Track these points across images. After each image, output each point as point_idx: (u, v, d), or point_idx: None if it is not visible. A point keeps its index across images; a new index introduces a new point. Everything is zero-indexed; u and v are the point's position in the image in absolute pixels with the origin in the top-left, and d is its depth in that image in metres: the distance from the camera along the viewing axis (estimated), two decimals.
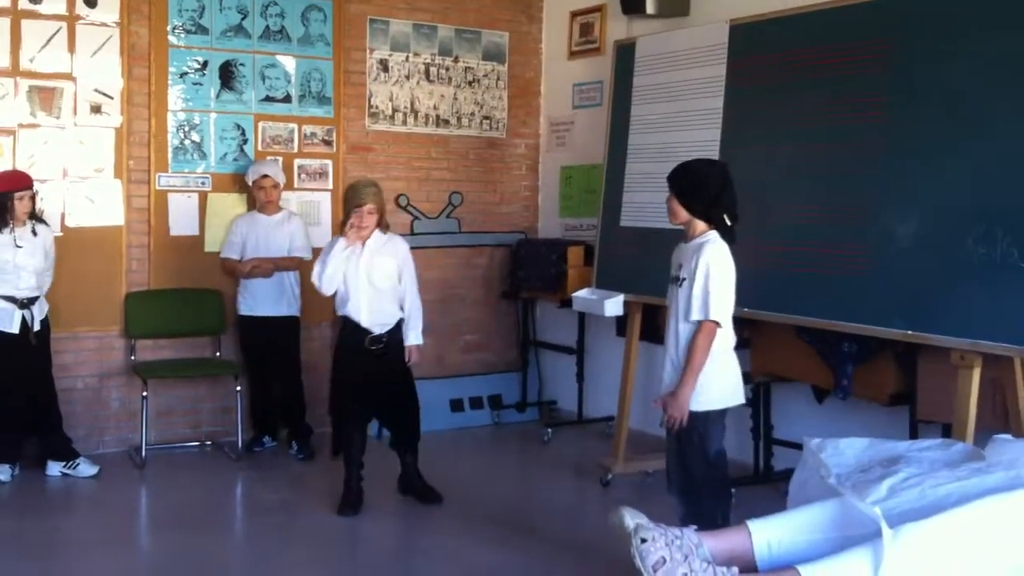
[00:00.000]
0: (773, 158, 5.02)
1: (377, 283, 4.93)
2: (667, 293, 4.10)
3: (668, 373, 3.99)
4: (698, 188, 3.93)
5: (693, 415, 3.88)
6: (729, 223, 3.93)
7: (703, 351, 3.83)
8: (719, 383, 3.91)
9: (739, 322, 5.09)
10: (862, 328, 4.46)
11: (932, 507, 2.99)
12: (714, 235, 3.92)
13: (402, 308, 5.05)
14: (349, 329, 4.97)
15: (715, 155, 5.24)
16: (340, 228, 5.03)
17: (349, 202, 4.92)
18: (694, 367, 3.83)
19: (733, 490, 4.99)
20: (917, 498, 3.07)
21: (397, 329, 5.02)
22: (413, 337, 5.03)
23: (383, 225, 5.00)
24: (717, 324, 3.83)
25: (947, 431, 4.29)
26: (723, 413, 3.96)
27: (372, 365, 4.93)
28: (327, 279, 4.89)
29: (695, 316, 3.84)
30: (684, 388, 3.84)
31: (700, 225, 3.94)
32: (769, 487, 5.08)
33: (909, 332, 4.25)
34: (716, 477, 3.99)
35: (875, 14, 4.61)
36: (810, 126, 4.85)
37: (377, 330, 4.93)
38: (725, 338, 3.91)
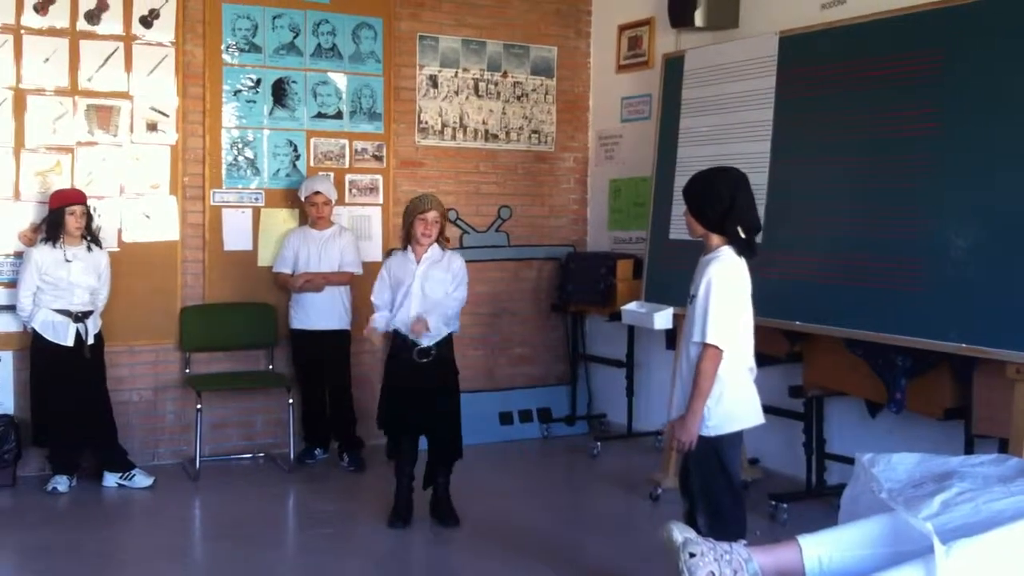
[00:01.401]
0: (824, 170, 4.99)
1: (430, 295, 4.91)
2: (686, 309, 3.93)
3: (677, 394, 3.83)
4: (707, 200, 3.71)
5: (708, 440, 3.72)
6: (744, 235, 3.69)
7: (707, 376, 3.64)
8: (732, 405, 3.72)
9: (789, 335, 5.10)
10: (916, 341, 4.41)
11: (986, 523, 2.95)
12: (725, 251, 3.70)
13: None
14: (399, 340, 4.99)
15: (765, 168, 5.23)
16: (402, 242, 5.04)
17: (411, 213, 4.93)
18: (700, 393, 3.65)
19: (784, 505, 4.99)
20: (970, 513, 3.02)
21: (447, 343, 5.02)
22: (433, 319, 4.91)
23: (443, 238, 5.01)
24: (717, 348, 3.63)
25: (1003, 446, 4.22)
26: (739, 435, 3.80)
27: (419, 377, 4.92)
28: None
29: (696, 338, 3.67)
30: (691, 415, 3.67)
31: (715, 239, 3.71)
32: (822, 502, 5.02)
33: (964, 345, 4.19)
34: (735, 496, 3.84)
35: (926, 24, 4.58)
36: (861, 137, 4.82)
37: (425, 342, 4.93)
38: (735, 360, 3.70)
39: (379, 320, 4.98)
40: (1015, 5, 4.23)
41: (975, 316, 4.18)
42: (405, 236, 5.01)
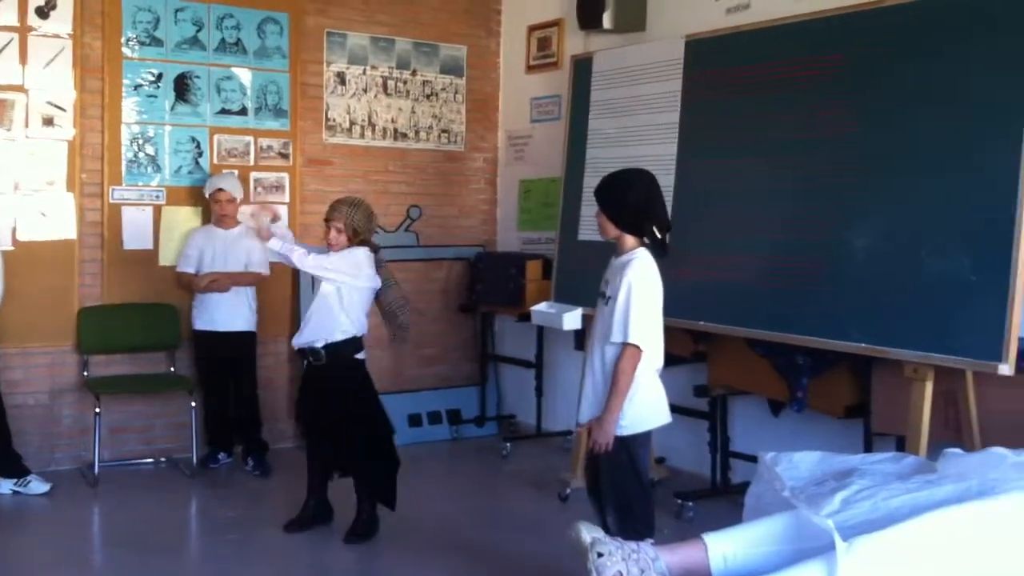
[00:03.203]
0: (729, 171, 5.06)
1: (322, 293, 4.74)
2: (595, 309, 3.95)
3: (588, 394, 3.84)
4: (623, 200, 3.75)
5: (621, 439, 3.75)
6: (659, 235, 3.74)
7: (627, 376, 3.67)
8: (643, 405, 3.76)
9: (694, 335, 5.17)
10: (817, 341, 4.49)
11: (884, 519, 3.01)
12: (642, 252, 3.74)
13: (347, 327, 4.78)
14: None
15: (672, 170, 5.28)
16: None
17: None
18: (619, 392, 3.68)
19: (690, 503, 5.05)
20: (870, 510, 3.09)
21: (340, 348, 4.74)
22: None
23: (367, 244, 4.79)
24: (638, 348, 3.67)
25: (901, 444, 4.33)
26: (648, 434, 3.86)
27: (313, 383, 4.83)
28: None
29: (615, 338, 3.69)
30: (609, 414, 3.70)
31: (629, 240, 3.76)
32: (727, 500, 5.10)
33: (863, 345, 4.29)
34: (644, 493, 3.89)
35: (827, 29, 4.67)
36: (765, 140, 4.90)
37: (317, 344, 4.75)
38: (648, 359, 3.73)
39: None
40: (911, 10, 4.34)
41: (874, 316, 4.27)
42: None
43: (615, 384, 3.70)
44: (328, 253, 4.78)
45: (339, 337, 4.72)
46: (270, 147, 6.53)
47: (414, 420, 6.82)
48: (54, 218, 5.90)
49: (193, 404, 5.92)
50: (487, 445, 6.71)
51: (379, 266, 4.83)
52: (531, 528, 5.03)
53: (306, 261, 4.72)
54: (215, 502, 5.48)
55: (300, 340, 4.80)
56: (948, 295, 4.04)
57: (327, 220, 4.77)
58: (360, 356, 4.83)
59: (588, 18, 6.21)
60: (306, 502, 4.94)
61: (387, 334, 5.03)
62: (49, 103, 5.88)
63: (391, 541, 4.78)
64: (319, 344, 4.73)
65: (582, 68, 6.04)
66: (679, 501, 5.10)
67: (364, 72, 6.88)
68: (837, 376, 4.68)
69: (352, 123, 6.85)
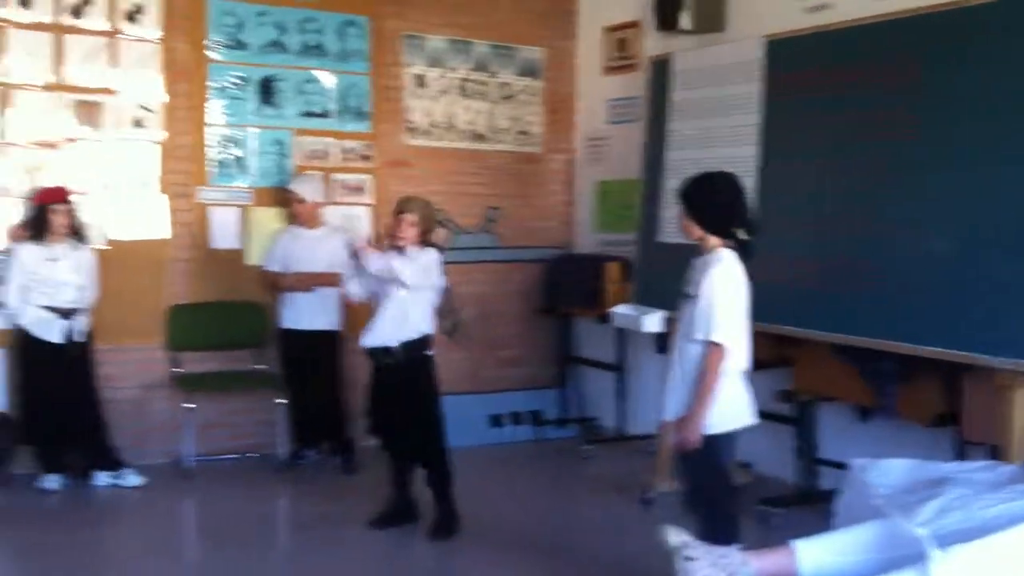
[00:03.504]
0: (812, 174, 5.03)
1: (396, 296, 4.78)
2: (679, 309, 3.96)
3: (673, 393, 3.84)
4: (708, 202, 3.78)
5: (705, 438, 3.73)
6: (744, 236, 3.76)
7: (713, 374, 3.67)
8: (726, 405, 3.75)
9: (778, 339, 5.13)
10: (905, 347, 4.44)
11: (979, 529, 2.99)
12: (726, 252, 3.75)
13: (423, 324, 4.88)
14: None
15: (752, 171, 5.25)
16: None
17: (393, 214, 4.86)
18: (706, 390, 3.68)
19: (776, 510, 5.02)
20: (964, 520, 3.07)
21: (414, 347, 4.83)
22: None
23: (430, 244, 4.88)
24: (722, 346, 3.68)
25: (994, 452, 4.26)
26: (732, 436, 3.83)
27: (385, 380, 4.89)
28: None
29: (699, 335, 3.70)
30: (697, 412, 3.69)
31: (713, 241, 3.76)
32: (813, 507, 5.04)
33: (954, 352, 4.23)
34: (729, 496, 3.91)
35: (907, 30, 4.62)
36: (847, 141, 4.86)
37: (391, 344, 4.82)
38: (734, 360, 3.74)
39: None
40: (990, 12, 4.28)
41: (964, 322, 4.22)
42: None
43: (702, 382, 3.70)
44: (390, 253, 4.82)
45: (414, 336, 4.82)
46: (352, 149, 6.63)
47: (495, 421, 6.87)
48: (144, 218, 6.06)
49: (279, 401, 6.03)
50: (568, 447, 6.71)
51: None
52: (612, 531, 5.04)
53: (401, 270, 4.72)
54: (301, 498, 5.60)
55: (373, 341, 4.85)
56: None
57: (400, 212, 4.82)
58: (430, 352, 4.92)
59: (666, 19, 6.18)
60: (390, 498, 5.01)
61: (441, 329, 5.10)
62: (139, 105, 6.03)
63: (471, 540, 4.82)
64: (393, 344, 4.81)
65: (660, 69, 6.03)
66: (764, 507, 5.05)
67: (443, 75, 6.94)
68: (925, 383, 4.61)
69: (432, 125, 6.92)
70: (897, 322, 4.47)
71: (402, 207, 4.85)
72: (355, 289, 4.91)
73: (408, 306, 4.80)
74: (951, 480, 3.34)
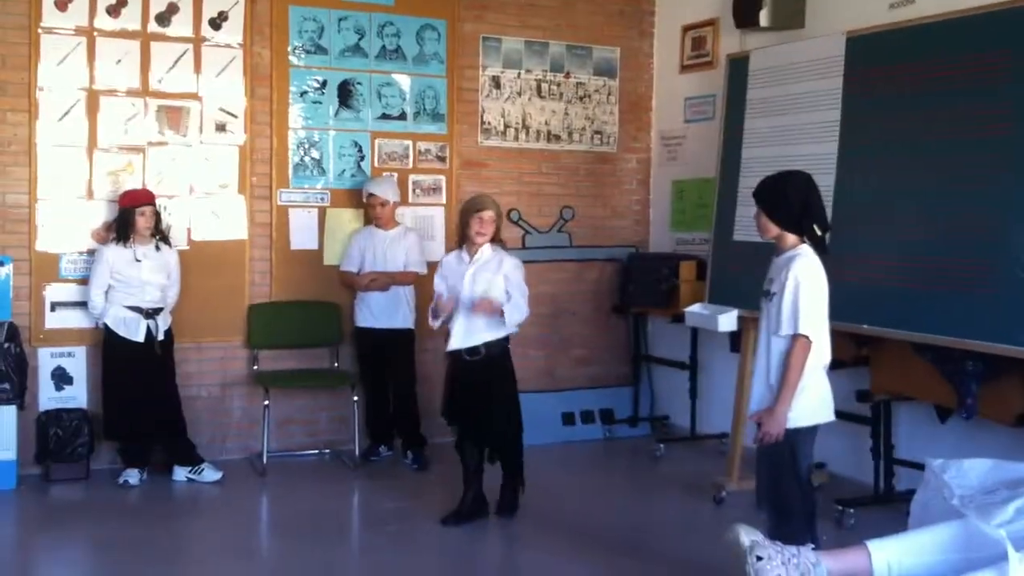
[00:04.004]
0: (892, 171, 4.93)
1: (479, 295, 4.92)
2: (760, 307, 4.03)
3: (758, 388, 3.92)
4: (783, 200, 3.86)
5: (785, 431, 3.79)
6: (820, 233, 3.83)
7: (798, 367, 3.75)
8: (809, 399, 3.81)
9: (857, 339, 5.05)
10: (987, 346, 4.34)
11: None
12: (805, 248, 3.84)
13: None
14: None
15: (832, 169, 5.18)
16: (457, 242, 5.11)
17: (467, 212, 4.96)
18: (790, 383, 3.75)
19: (851, 511, 4.94)
20: None
21: (497, 344, 4.96)
22: (506, 308, 4.88)
23: (498, 240, 5.02)
24: (807, 339, 3.74)
25: None
26: (814, 429, 3.87)
27: (470, 375, 4.96)
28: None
29: (784, 330, 3.77)
30: (781, 405, 3.75)
31: (790, 238, 3.86)
32: (890, 508, 4.96)
33: None
34: (806, 494, 3.90)
35: (996, 24, 4.51)
36: (931, 139, 4.76)
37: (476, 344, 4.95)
38: (817, 354, 3.80)
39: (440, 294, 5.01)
40: None
41: None
42: (460, 235, 5.05)
43: (786, 375, 3.75)
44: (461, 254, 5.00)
45: (501, 334, 4.93)
46: (428, 150, 6.69)
47: (567, 419, 6.88)
48: (226, 219, 6.20)
49: (355, 399, 6.11)
50: (640, 446, 6.69)
51: None
52: (683, 530, 5.01)
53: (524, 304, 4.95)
54: (375, 494, 5.66)
55: (463, 343, 4.94)
56: None
57: (478, 210, 4.90)
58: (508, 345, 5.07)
59: (745, 16, 6.15)
60: (464, 496, 5.06)
61: None
62: (221, 110, 6.18)
63: (540, 537, 4.84)
64: (480, 343, 4.90)
65: (738, 67, 5.97)
66: (840, 508, 4.99)
67: (518, 76, 6.98)
68: (1009, 383, 4.50)
69: (507, 126, 6.95)
70: (980, 321, 4.37)
71: (479, 204, 4.94)
72: (434, 326, 5.01)
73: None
74: None
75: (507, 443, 5.07)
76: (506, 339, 5.00)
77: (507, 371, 5.05)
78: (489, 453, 5.07)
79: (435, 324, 4.97)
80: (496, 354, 4.97)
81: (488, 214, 4.90)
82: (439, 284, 5.03)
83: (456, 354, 4.98)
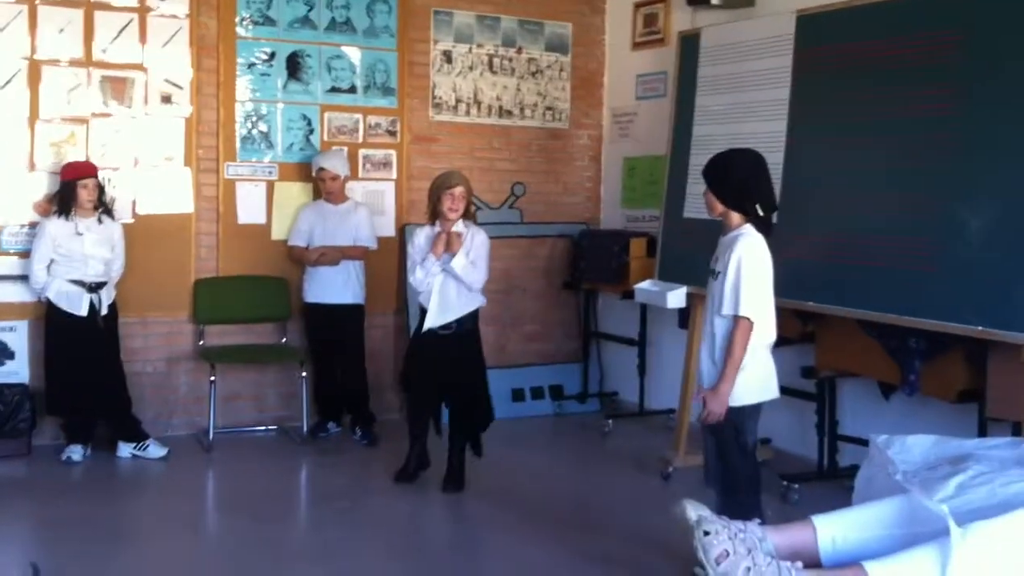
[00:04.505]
0: (840, 149, 4.97)
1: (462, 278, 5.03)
2: (707, 285, 4.06)
3: (705, 367, 3.96)
4: (726, 178, 3.89)
5: (729, 410, 3.84)
6: (762, 213, 3.85)
7: (740, 347, 3.78)
8: (752, 378, 3.85)
9: (802, 316, 5.09)
10: (931, 324, 4.40)
11: (1001, 505, 2.96)
12: (748, 228, 3.85)
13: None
14: (422, 317, 5.14)
15: (781, 147, 5.21)
16: (429, 217, 5.15)
17: (438, 188, 5.02)
18: (733, 363, 3.79)
19: (796, 486, 5.00)
20: (986, 496, 3.03)
21: (469, 318, 5.12)
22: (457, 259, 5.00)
23: (470, 216, 5.12)
24: (749, 320, 3.77)
25: (1017, 429, 4.22)
26: (757, 407, 3.92)
27: (441, 349, 5.07)
28: (424, 283, 5.05)
29: (726, 311, 3.80)
30: (723, 384, 3.80)
31: (735, 217, 3.88)
32: (834, 483, 5.03)
33: (978, 328, 4.18)
34: (751, 470, 3.97)
35: (945, 4, 4.54)
36: (878, 117, 4.79)
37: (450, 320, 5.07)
38: (760, 334, 3.83)
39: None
40: None
41: (990, 298, 4.16)
42: (432, 212, 5.09)
43: (728, 356, 3.80)
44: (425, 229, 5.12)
45: (473, 306, 5.11)
46: (378, 125, 6.63)
47: (517, 395, 6.89)
48: (172, 193, 6.10)
49: (303, 374, 6.07)
50: (589, 422, 6.72)
51: None
52: (631, 505, 5.04)
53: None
54: (324, 470, 5.63)
55: (440, 320, 5.05)
56: None
57: (449, 187, 4.98)
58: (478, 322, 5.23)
59: None
60: (409, 454, 5.22)
61: None
62: (167, 81, 6.07)
63: (491, 512, 4.85)
64: (453, 319, 5.04)
65: (689, 44, 5.98)
66: (784, 483, 5.05)
67: (470, 50, 6.92)
68: (951, 360, 4.56)
69: (458, 101, 6.90)
70: (924, 299, 4.42)
71: (451, 181, 5.03)
72: (421, 278, 5.04)
73: (461, 287, 5.05)
74: (973, 456, 3.31)
75: (475, 405, 5.17)
76: (476, 313, 5.13)
77: (477, 341, 5.20)
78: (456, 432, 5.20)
79: (422, 275, 5.02)
80: (469, 328, 5.11)
81: (459, 190, 4.99)
82: (415, 255, 5.08)
83: (428, 331, 5.06)
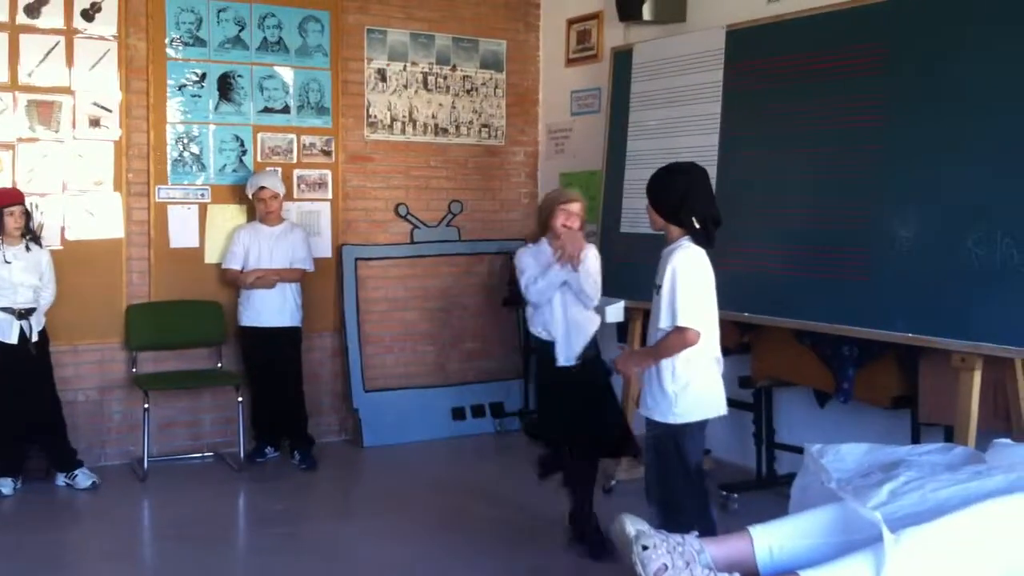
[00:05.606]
0: (772, 162, 5.03)
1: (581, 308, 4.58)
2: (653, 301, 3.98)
3: (646, 386, 3.89)
4: (663, 192, 3.86)
5: (671, 427, 3.80)
6: (698, 225, 3.78)
7: (670, 348, 3.74)
8: (696, 394, 3.79)
9: (739, 326, 5.13)
10: (863, 331, 4.45)
11: (933, 511, 2.98)
12: (685, 241, 3.81)
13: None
14: (545, 349, 4.63)
15: (714, 160, 5.25)
16: (536, 233, 4.67)
17: (552, 202, 4.55)
18: (657, 352, 3.78)
19: (735, 495, 5.02)
20: (918, 502, 3.05)
21: (591, 346, 4.62)
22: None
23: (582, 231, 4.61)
24: (688, 330, 3.70)
25: (949, 434, 4.28)
26: (702, 424, 3.87)
27: (570, 384, 4.57)
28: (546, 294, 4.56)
29: (663, 324, 3.76)
30: (643, 356, 3.87)
31: (674, 231, 3.84)
32: (773, 491, 5.07)
33: (910, 335, 4.24)
34: (695, 489, 3.89)
35: (871, 18, 4.62)
36: (809, 129, 4.86)
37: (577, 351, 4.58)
38: (703, 350, 3.78)
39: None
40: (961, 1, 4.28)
41: (921, 305, 4.22)
42: (541, 227, 4.60)
43: (656, 346, 3.79)
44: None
45: (592, 332, 4.64)
46: (312, 144, 6.58)
47: (457, 413, 6.84)
48: (102, 217, 5.99)
49: (239, 399, 5.98)
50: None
51: None
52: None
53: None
54: (262, 496, 5.54)
55: (573, 355, 4.56)
56: (995, 284, 3.98)
57: (564, 202, 4.50)
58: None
59: (628, 10, 6.19)
60: (577, 513, 4.69)
61: None
62: (95, 104, 5.96)
63: (428, 533, 4.81)
64: (580, 350, 4.59)
65: (622, 60, 6.02)
66: (724, 493, 5.08)
67: (404, 68, 6.90)
68: (884, 366, 4.63)
69: (393, 119, 6.88)
70: (857, 307, 4.47)
71: (567, 196, 4.58)
72: (544, 288, 4.54)
73: (584, 314, 4.61)
74: (905, 463, 3.33)
75: (626, 444, 4.71)
76: (596, 340, 4.65)
77: (604, 372, 4.66)
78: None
79: (544, 285, 4.51)
80: (592, 357, 4.62)
81: (577, 206, 4.51)
82: (529, 273, 4.57)
83: (558, 369, 4.55)
